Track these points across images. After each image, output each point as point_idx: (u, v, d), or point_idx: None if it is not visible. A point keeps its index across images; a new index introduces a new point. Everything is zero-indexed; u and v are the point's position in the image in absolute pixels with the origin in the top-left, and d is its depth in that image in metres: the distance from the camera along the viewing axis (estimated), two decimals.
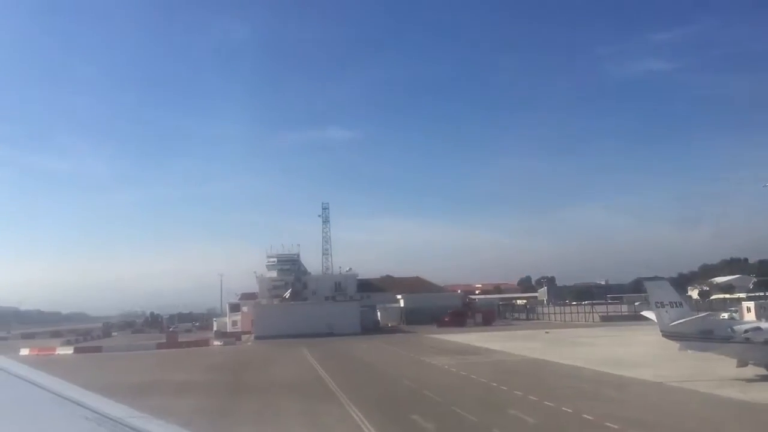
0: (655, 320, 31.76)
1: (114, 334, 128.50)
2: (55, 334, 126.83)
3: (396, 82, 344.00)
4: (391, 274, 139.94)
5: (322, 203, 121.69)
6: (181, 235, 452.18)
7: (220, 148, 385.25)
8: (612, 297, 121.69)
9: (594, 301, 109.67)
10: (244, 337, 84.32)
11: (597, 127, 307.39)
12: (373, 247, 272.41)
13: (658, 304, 30.74)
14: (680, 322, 29.91)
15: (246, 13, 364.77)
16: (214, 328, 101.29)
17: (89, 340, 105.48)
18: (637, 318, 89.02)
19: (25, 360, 65.14)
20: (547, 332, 69.71)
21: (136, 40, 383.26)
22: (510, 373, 36.01)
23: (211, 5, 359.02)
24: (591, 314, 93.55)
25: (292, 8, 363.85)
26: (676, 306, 30.86)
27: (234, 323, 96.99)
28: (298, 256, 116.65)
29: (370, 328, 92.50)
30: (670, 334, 30.61)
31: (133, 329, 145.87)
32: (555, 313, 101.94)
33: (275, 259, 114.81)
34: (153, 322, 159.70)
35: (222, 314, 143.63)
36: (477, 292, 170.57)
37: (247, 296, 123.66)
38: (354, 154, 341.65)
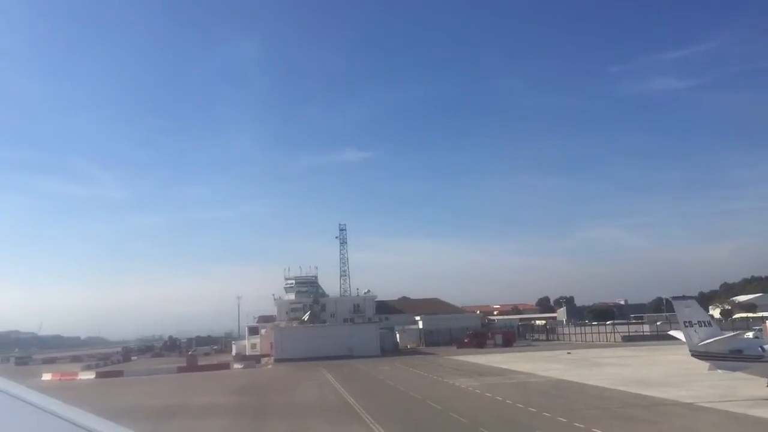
0: (684, 340, 31.43)
1: (134, 358, 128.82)
2: (75, 359, 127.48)
3: (409, 103, 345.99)
4: (408, 296, 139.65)
5: (340, 224, 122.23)
6: (198, 259, 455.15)
7: (236, 171, 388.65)
8: (635, 317, 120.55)
9: (615, 321, 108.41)
10: (263, 360, 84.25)
11: (611, 146, 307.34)
12: (390, 269, 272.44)
13: (687, 324, 30.43)
14: (710, 342, 29.59)
15: (258, 39, 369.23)
16: (233, 351, 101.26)
17: (109, 364, 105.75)
18: (659, 338, 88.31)
19: (47, 385, 65.61)
20: (569, 353, 68.98)
21: (151, 67, 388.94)
22: (536, 394, 35.68)
23: (223, 31, 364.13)
24: (612, 334, 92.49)
25: (302, 33, 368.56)
26: (705, 325, 30.55)
27: (253, 346, 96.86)
28: (316, 278, 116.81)
29: (390, 350, 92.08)
30: (699, 354, 30.27)
31: (153, 353, 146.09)
32: (575, 334, 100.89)
33: (293, 282, 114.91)
34: (172, 345, 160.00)
35: (240, 337, 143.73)
36: (495, 312, 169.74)
37: (265, 319, 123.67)
38: (369, 174, 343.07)
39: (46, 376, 72.69)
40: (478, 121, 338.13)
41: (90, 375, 71.96)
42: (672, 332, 42.49)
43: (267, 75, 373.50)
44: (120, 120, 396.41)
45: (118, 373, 72.16)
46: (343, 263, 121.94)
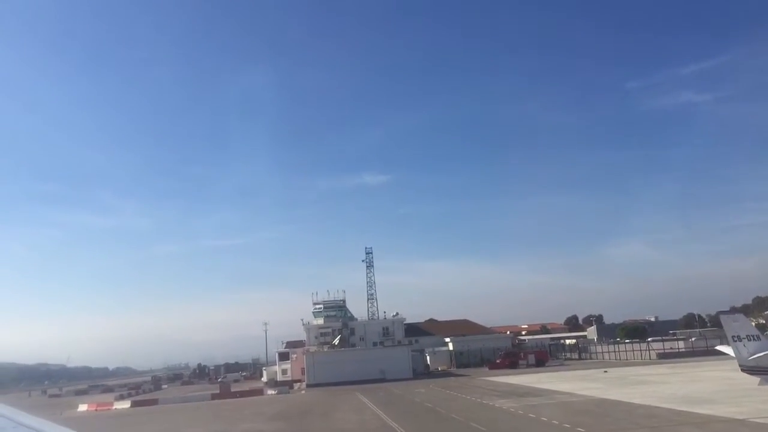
0: (733, 355, 30.91)
1: (164, 386, 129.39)
2: (107, 390, 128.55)
3: (425, 126, 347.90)
4: (434, 317, 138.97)
5: (366, 248, 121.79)
6: (221, 286, 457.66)
7: (256, 198, 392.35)
8: (673, 332, 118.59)
9: (651, 339, 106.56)
10: (295, 385, 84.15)
11: (631, 162, 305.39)
12: (414, 291, 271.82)
13: (735, 338, 29.95)
14: (760, 356, 29.07)
15: (273, 68, 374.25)
16: (264, 377, 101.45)
17: (141, 393, 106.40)
18: (695, 354, 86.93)
19: (85, 416, 66.06)
20: (605, 371, 67.99)
21: (169, 98, 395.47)
22: (581, 414, 35.15)
23: (240, 61, 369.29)
24: (647, 352, 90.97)
25: (316, 61, 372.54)
26: (754, 339, 30.05)
27: (284, 371, 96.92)
28: (344, 302, 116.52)
29: (421, 372, 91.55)
30: (749, 369, 29.74)
31: (182, 381, 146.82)
32: (608, 352, 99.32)
33: (321, 306, 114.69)
34: (201, 373, 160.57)
35: (269, 363, 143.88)
36: (523, 333, 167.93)
37: (293, 344, 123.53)
38: (388, 197, 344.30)
39: (82, 407, 73.31)
40: (496, 141, 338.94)
41: (125, 404, 72.38)
42: (720, 347, 41.82)
43: (282, 103, 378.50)
44: (140, 151, 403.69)
45: (153, 401, 72.50)
46: (370, 286, 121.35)
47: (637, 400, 40.01)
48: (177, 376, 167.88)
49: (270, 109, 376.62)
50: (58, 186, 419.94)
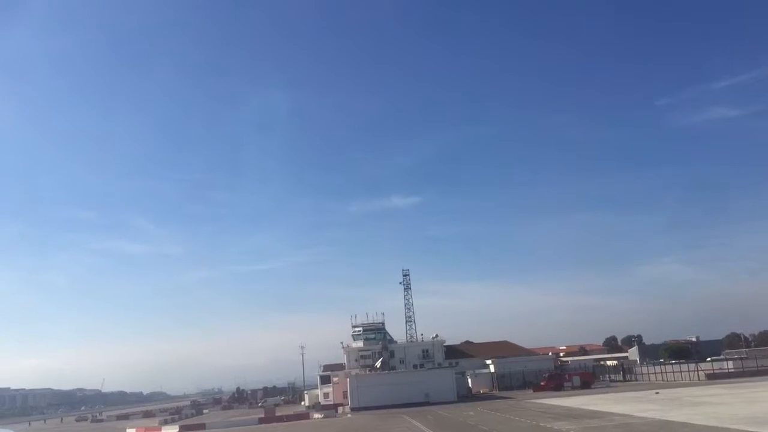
0: None
1: (205, 411, 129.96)
2: (148, 414, 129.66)
3: (454, 145, 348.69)
4: (470, 339, 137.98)
5: (403, 270, 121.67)
6: (256, 311, 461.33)
7: (287, 222, 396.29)
8: (728, 352, 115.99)
9: (710, 359, 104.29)
10: (339, 409, 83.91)
11: (664, 179, 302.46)
12: (449, 312, 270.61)
13: None
14: None
15: (302, 93, 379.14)
16: (306, 401, 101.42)
17: (182, 417, 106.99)
18: (745, 374, 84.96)
19: None
20: (657, 393, 66.63)
21: (200, 124, 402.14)
22: None
23: (269, 86, 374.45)
24: (696, 372, 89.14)
25: (344, 85, 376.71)
26: None
27: (326, 395, 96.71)
28: (383, 324, 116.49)
29: (464, 394, 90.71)
30: None
31: (222, 406, 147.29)
32: (654, 373, 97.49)
33: (361, 329, 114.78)
34: (239, 397, 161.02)
35: (306, 387, 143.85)
36: (562, 354, 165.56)
37: (330, 367, 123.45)
38: (419, 219, 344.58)
39: (130, 431, 73.98)
40: (526, 160, 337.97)
41: (173, 429, 72.78)
42: None
43: (311, 128, 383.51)
44: (172, 178, 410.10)
45: (201, 426, 72.81)
46: (408, 308, 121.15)
47: (699, 421, 39.12)
48: (216, 401, 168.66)
49: (298, 135, 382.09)
50: (92, 214, 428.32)
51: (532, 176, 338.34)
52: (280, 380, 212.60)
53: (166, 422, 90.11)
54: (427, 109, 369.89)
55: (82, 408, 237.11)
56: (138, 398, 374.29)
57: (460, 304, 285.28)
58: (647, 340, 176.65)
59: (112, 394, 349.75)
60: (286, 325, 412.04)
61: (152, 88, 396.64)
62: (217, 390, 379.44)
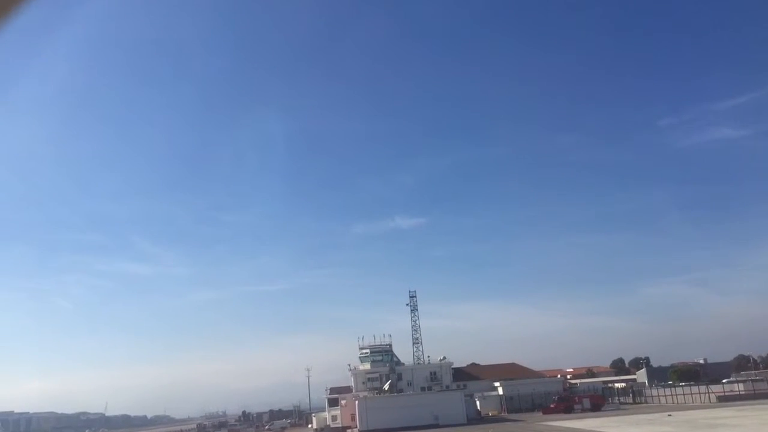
0: None
1: None
2: None
3: (457, 166, 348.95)
4: (476, 362, 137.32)
5: (410, 291, 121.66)
6: (260, 333, 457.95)
7: (292, 243, 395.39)
8: (743, 373, 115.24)
9: (726, 380, 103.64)
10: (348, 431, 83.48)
11: (668, 200, 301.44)
12: (453, 334, 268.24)
13: None
14: None
15: (304, 114, 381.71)
16: (314, 424, 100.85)
17: None
18: (757, 396, 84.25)
19: None
20: (669, 415, 66.16)
21: (196, 145, 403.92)
22: None
23: (272, 107, 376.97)
24: (707, 395, 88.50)
25: (346, 106, 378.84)
26: None
27: (334, 418, 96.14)
28: (390, 346, 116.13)
29: (473, 417, 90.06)
30: None
31: (229, 428, 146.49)
32: (664, 396, 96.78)
33: (368, 351, 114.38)
34: (245, 420, 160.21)
35: (312, 409, 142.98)
36: (568, 376, 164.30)
37: (336, 390, 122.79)
38: (422, 240, 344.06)
39: None
40: (531, 180, 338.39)
41: None
42: None
43: (312, 149, 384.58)
44: (177, 199, 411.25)
45: None
46: (415, 330, 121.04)
47: None
48: (222, 424, 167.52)
49: (300, 155, 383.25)
50: (97, 236, 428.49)
51: (535, 197, 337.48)
52: (284, 403, 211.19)
53: None
54: (430, 129, 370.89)
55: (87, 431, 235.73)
56: (142, 422, 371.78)
57: (466, 326, 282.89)
58: (654, 362, 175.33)
59: (116, 417, 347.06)
60: (290, 347, 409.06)
61: (155, 105, 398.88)
62: (221, 413, 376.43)
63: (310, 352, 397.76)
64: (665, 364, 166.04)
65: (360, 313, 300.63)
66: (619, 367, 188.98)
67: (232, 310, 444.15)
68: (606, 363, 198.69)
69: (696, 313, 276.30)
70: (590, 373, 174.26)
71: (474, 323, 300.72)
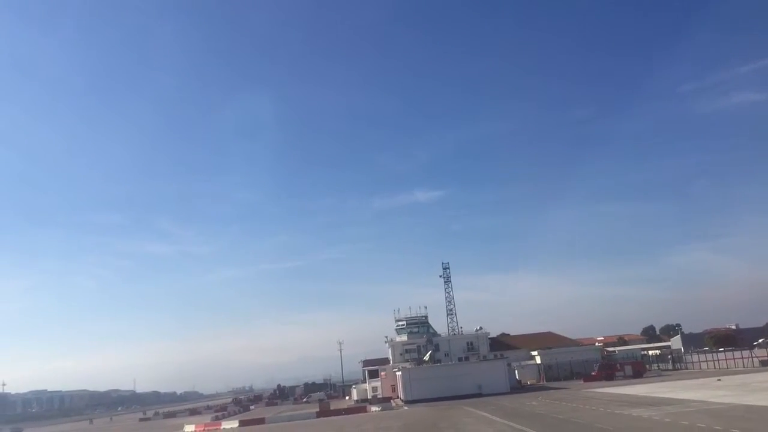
0: None
1: (252, 407, 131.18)
2: (193, 412, 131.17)
3: (475, 139, 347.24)
4: (506, 332, 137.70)
5: (443, 263, 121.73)
6: (284, 309, 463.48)
7: (313, 220, 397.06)
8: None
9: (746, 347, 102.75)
10: (392, 402, 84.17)
11: (690, 167, 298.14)
12: (481, 305, 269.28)
13: None
14: None
15: (322, 90, 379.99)
16: (354, 396, 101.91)
17: (229, 414, 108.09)
18: None
19: None
20: (719, 380, 66.03)
21: (219, 125, 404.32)
22: (739, 419, 34.07)
23: (293, 86, 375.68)
24: (749, 359, 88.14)
25: (365, 80, 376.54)
26: None
27: (374, 389, 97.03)
28: (426, 318, 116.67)
29: (514, 386, 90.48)
30: None
31: (266, 402, 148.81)
32: (705, 361, 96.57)
33: (404, 323, 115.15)
34: (281, 394, 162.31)
35: (344, 382, 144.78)
36: (599, 344, 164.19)
37: (369, 362, 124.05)
38: (442, 213, 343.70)
39: (189, 428, 74.80)
40: (553, 151, 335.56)
41: (233, 424, 73.49)
42: None
43: (331, 124, 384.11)
44: (196, 179, 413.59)
45: (260, 421, 73.53)
46: (449, 302, 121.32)
47: None
48: (257, 398, 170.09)
49: (319, 133, 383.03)
50: (119, 217, 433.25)
51: (557, 168, 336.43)
52: (308, 377, 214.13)
53: (217, 419, 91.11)
54: (450, 104, 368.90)
55: (119, 408, 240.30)
56: (172, 398, 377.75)
57: (492, 298, 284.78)
58: (685, 329, 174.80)
59: (146, 394, 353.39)
60: (313, 322, 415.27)
61: (172, 89, 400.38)
62: (248, 388, 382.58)
63: (335, 326, 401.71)
64: (695, 330, 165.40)
65: (382, 287, 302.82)
66: (650, 334, 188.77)
67: (254, 288, 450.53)
68: (636, 331, 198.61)
69: (723, 280, 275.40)
70: (622, 341, 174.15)
71: (500, 295, 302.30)
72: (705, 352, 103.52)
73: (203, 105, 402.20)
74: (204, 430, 72.30)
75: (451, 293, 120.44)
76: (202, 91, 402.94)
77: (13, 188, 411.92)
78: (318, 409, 77.82)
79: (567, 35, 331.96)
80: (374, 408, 74.28)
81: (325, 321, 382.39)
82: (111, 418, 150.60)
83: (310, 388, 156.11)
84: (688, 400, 48.15)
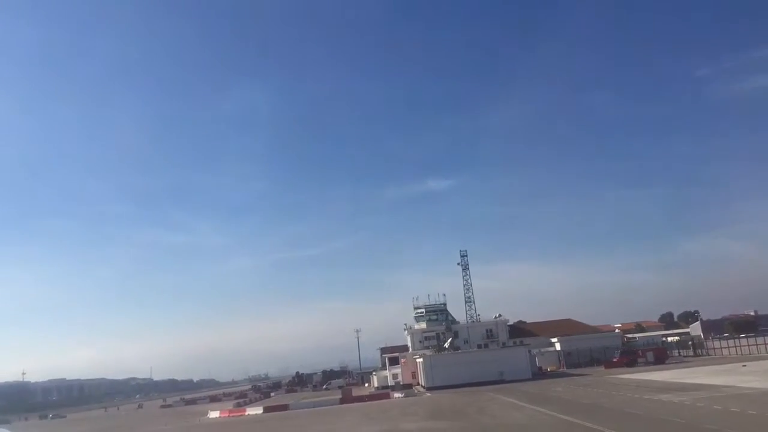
0: None
1: (272, 394, 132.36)
2: (214, 399, 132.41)
3: (488, 126, 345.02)
4: (522, 319, 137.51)
5: (460, 251, 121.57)
6: (299, 298, 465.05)
7: (327, 209, 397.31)
8: None
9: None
10: (414, 389, 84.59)
11: (707, 152, 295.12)
12: (496, 293, 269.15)
13: None
14: None
15: (331, 79, 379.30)
16: (375, 383, 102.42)
17: (250, 401, 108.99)
18: None
19: (223, 422, 68.00)
20: (744, 365, 65.71)
21: (235, 115, 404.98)
22: None
23: (303, 74, 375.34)
24: None
25: (374, 68, 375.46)
26: None
27: (395, 376, 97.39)
28: (445, 305, 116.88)
29: (535, 372, 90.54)
30: None
31: (286, 389, 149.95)
32: (727, 347, 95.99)
33: (423, 310, 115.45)
34: (300, 381, 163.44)
35: (362, 369, 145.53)
36: (617, 331, 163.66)
37: (387, 350, 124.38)
38: (455, 202, 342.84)
39: (213, 414, 75.58)
40: (566, 137, 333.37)
41: (257, 410, 74.15)
42: None
43: (344, 114, 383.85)
44: (210, 169, 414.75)
45: (284, 407, 74.10)
46: (467, 289, 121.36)
47: None
48: (276, 385, 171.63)
49: (328, 121, 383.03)
50: (133, 207, 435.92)
51: (571, 155, 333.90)
52: (323, 364, 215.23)
53: (239, 405, 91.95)
54: (462, 92, 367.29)
55: (137, 396, 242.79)
56: (189, 386, 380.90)
57: (506, 286, 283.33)
58: (704, 316, 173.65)
59: (163, 382, 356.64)
60: (328, 310, 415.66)
61: (186, 80, 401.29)
62: (263, 375, 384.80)
63: (349, 315, 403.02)
64: (713, 317, 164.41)
65: (397, 276, 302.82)
66: (668, 321, 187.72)
67: (269, 277, 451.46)
68: (653, 318, 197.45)
69: (740, 266, 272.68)
70: (639, 327, 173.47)
71: (515, 283, 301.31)
72: (726, 338, 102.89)
73: (217, 94, 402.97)
74: (230, 416, 72.97)
75: (469, 281, 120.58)
76: (215, 79, 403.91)
77: (32, 179, 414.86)
78: (341, 396, 78.27)
79: (580, 14, 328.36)
80: (397, 394, 74.67)
81: (340, 310, 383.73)
82: (141, 405, 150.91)
83: (329, 375, 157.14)
84: (717, 386, 47.90)
